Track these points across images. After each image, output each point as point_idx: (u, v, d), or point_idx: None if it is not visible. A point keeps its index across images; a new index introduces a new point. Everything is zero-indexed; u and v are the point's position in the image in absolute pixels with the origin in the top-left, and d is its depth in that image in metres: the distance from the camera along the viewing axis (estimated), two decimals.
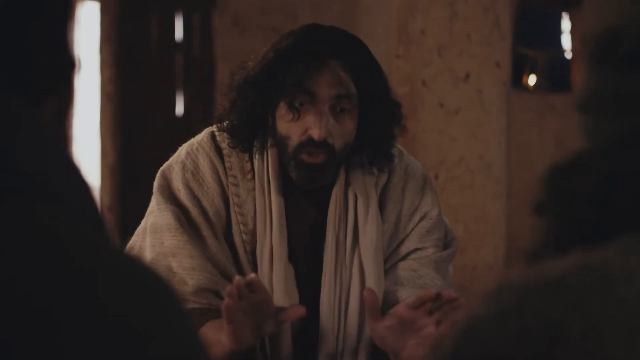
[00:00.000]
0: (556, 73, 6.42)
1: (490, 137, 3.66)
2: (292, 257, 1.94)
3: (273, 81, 1.86)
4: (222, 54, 6.07)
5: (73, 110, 0.78)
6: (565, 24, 6.63)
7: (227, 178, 1.94)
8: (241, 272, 1.92)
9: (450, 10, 3.58)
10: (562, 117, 6.03)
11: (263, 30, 6.00)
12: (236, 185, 1.94)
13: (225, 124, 1.95)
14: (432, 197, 2.02)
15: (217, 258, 1.91)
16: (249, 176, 1.95)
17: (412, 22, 3.59)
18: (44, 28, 0.72)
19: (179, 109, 6.29)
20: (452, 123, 3.56)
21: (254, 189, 1.94)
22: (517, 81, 6.02)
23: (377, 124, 1.91)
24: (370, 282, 1.93)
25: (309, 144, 1.85)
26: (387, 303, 1.94)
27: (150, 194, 1.99)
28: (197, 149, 1.97)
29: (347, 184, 1.95)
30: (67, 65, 0.74)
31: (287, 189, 1.93)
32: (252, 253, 1.93)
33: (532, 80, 6.41)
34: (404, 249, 1.98)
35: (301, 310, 1.78)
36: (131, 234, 2.07)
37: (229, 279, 1.89)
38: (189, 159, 1.96)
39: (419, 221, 1.99)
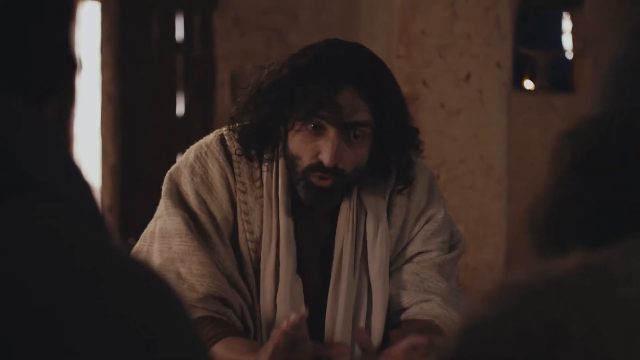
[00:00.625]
0: (557, 73, 6.41)
1: (491, 138, 3.66)
2: (302, 271, 1.92)
3: (286, 99, 1.83)
4: (222, 55, 6.07)
5: (75, 111, 0.78)
6: (566, 24, 6.63)
7: (236, 184, 1.92)
8: (245, 280, 1.91)
9: (450, 11, 3.58)
10: (563, 118, 6.02)
11: (264, 30, 6.00)
12: (244, 192, 1.92)
13: (236, 126, 1.93)
14: (438, 199, 2.00)
15: (225, 265, 1.89)
16: (258, 184, 1.92)
17: (413, 22, 3.59)
18: (46, 28, 0.72)
19: (180, 109, 6.29)
20: (453, 123, 3.56)
21: (262, 196, 1.91)
22: (518, 82, 6.01)
23: (392, 150, 1.88)
24: (377, 301, 1.92)
25: (318, 167, 1.82)
26: (389, 307, 1.94)
27: (151, 194, 1.98)
28: (206, 153, 1.94)
29: (358, 200, 1.93)
30: (68, 66, 0.74)
31: (296, 201, 1.91)
32: (258, 262, 1.91)
33: (529, 84, 6.40)
34: (408, 252, 1.97)
35: (346, 350, 1.75)
36: (132, 234, 2.06)
37: (235, 286, 1.89)
38: (197, 162, 1.93)
39: (425, 224, 1.98)
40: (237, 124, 1.93)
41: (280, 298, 1.88)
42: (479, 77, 3.61)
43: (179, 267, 1.87)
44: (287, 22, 6.01)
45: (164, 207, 1.92)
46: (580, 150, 0.80)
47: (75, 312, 0.61)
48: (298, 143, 1.84)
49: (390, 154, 1.89)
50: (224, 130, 1.96)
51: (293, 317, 1.68)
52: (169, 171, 1.98)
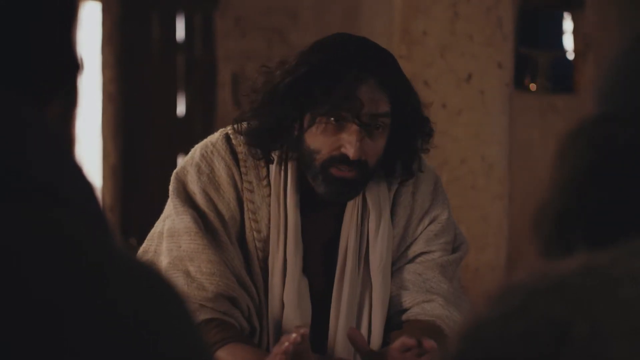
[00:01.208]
0: (558, 74, 6.41)
1: (493, 138, 3.66)
2: (307, 269, 1.92)
3: (306, 95, 1.82)
4: (223, 55, 6.07)
5: (77, 111, 0.78)
6: (567, 24, 6.63)
7: (243, 183, 1.91)
8: (252, 279, 1.91)
9: (452, 11, 3.58)
10: (564, 118, 6.02)
11: (264, 31, 6.00)
12: (251, 191, 1.92)
13: (242, 127, 1.92)
14: (442, 200, 2.01)
15: (234, 264, 1.89)
16: (265, 182, 1.92)
17: (414, 22, 3.59)
18: (49, 29, 0.72)
19: (180, 109, 6.30)
20: (455, 124, 3.55)
21: (269, 195, 1.91)
22: (519, 82, 6.01)
23: (409, 140, 1.90)
24: (376, 299, 1.92)
25: (341, 160, 1.83)
26: (391, 307, 1.94)
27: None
28: (212, 152, 1.93)
29: (363, 198, 1.93)
30: (71, 66, 0.74)
31: (303, 201, 1.91)
32: (265, 260, 1.91)
33: (533, 87, 6.40)
34: (411, 252, 1.97)
35: None
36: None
37: (243, 285, 1.88)
38: (204, 161, 1.92)
39: (428, 224, 1.98)
40: (242, 124, 1.92)
41: (287, 295, 1.89)
42: (480, 77, 3.61)
43: (188, 265, 1.86)
44: (288, 23, 6.01)
45: (172, 207, 1.91)
46: (585, 150, 0.80)
47: (79, 312, 0.62)
48: (318, 137, 1.83)
49: (408, 144, 1.90)
50: (229, 129, 1.96)
51: (294, 335, 1.69)
52: (175, 171, 1.96)
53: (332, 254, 1.94)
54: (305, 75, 1.82)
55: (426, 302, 1.91)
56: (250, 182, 1.92)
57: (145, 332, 0.64)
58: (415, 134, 1.90)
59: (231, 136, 1.94)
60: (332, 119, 1.82)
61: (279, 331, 1.90)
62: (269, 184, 1.92)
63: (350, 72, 1.80)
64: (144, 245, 1.97)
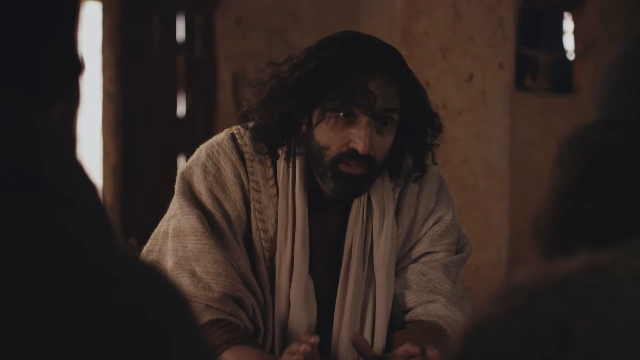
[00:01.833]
0: (559, 74, 6.41)
1: (494, 138, 3.65)
2: (312, 268, 1.92)
3: (316, 90, 1.83)
4: (224, 55, 6.08)
5: (79, 112, 0.79)
6: (568, 24, 6.63)
7: (249, 183, 1.91)
8: (258, 279, 1.90)
9: (453, 12, 3.58)
10: (565, 118, 6.02)
11: (265, 31, 6.00)
12: (258, 191, 1.91)
13: (249, 123, 1.92)
14: (447, 200, 2.01)
15: (239, 264, 1.88)
16: (271, 182, 1.91)
17: (415, 23, 3.59)
18: (53, 31, 0.72)
19: (181, 109, 6.29)
20: (456, 124, 3.55)
21: (275, 195, 1.91)
22: (520, 82, 6.01)
23: (419, 135, 1.90)
24: (379, 297, 1.92)
25: (350, 155, 1.83)
26: (395, 307, 1.94)
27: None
28: (217, 152, 1.92)
29: (368, 197, 1.93)
30: (74, 67, 0.75)
31: (310, 200, 1.91)
32: (271, 260, 1.91)
33: (533, 86, 6.40)
34: (415, 252, 1.98)
35: None
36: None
37: (248, 286, 1.88)
38: (209, 161, 1.92)
39: (433, 225, 1.98)
40: (249, 123, 1.92)
41: (294, 295, 1.88)
42: (481, 77, 3.61)
43: (194, 265, 1.86)
44: (288, 23, 6.01)
45: (177, 207, 1.91)
46: (583, 155, 0.81)
47: (85, 311, 0.62)
48: (327, 132, 1.84)
49: (416, 139, 1.91)
50: (234, 129, 1.95)
51: (304, 346, 1.70)
52: (180, 170, 1.96)
53: (337, 253, 1.94)
54: (314, 70, 1.82)
55: (429, 303, 1.92)
56: (256, 182, 1.91)
57: (149, 332, 0.64)
58: (425, 129, 1.91)
59: (237, 136, 1.93)
60: (341, 114, 1.82)
61: (285, 331, 1.90)
62: (275, 184, 1.91)
63: (359, 67, 1.81)
64: (147, 244, 1.96)
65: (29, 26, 0.70)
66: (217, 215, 1.89)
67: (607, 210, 0.77)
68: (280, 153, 1.91)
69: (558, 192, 0.81)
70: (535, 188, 5.50)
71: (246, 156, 1.92)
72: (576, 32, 6.40)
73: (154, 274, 0.68)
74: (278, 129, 1.87)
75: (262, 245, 1.91)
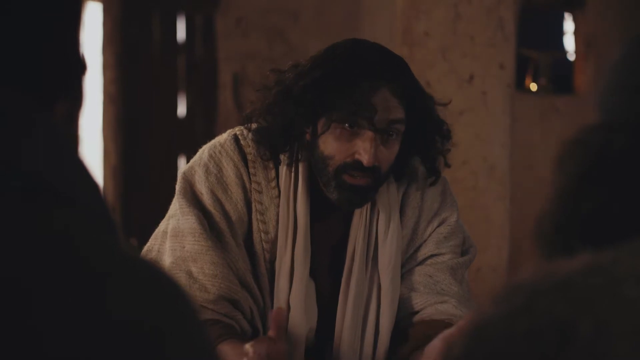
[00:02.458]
0: (559, 75, 6.42)
1: (494, 139, 3.65)
2: (314, 271, 1.92)
3: (322, 100, 1.81)
4: (224, 56, 6.07)
5: (81, 112, 0.79)
6: (568, 25, 6.63)
7: (251, 184, 1.91)
8: (258, 280, 1.90)
9: (454, 12, 3.58)
10: (565, 119, 6.02)
11: (265, 31, 6.00)
12: (260, 192, 1.91)
13: (253, 126, 1.91)
14: (451, 201, 2.00)
15: (237, 265, 1.88)
16: (273, 184, 1.91)
17: (416, 23, 3.59)
18: (56, 32, 0.72)
19: (181, 110, 6.29)
20: (456, 125, 3.55)
21: (277, 197, 1.91)
22: (520, 83, 6.02)
23: (427, 144, 1.89)
24: (384, 300, 1.92)
25: (354, 166, 1.82)
26: (401, 309, 1.93)
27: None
28: (220, 152, 1.92)
29: (372, 200, 1.92)
30: (77, 68, 0.75)
31: (312, 203, 1.90)
32: (271, 262, 1.91)
33: (534, 85, 6.40)
34: (420, 255, 1.97)
35: None
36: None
37: (246, 287, 1.88)
38: (212, 162, 1.91)
39: (437, 226, 1.98)
40: (252, 124, 1.92)
41: (294, 298, 1.88)
42: (482, 78, 3.61)
43: (190, 266, 1.86)
44: (288, 23, 6.01)
45: (177, 206, 1.91)
46: (583, 157, 0.81)
47: (83, 315, 0.62)
48: (332, 143, 1.83)
49: (423, 147, 1.90)
50: (237, 130, 1.95)
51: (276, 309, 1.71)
52: (182, 170, 1.95)
53: (340, 256, 1.94)
54: (320, 79, 1.81)
55: (439, 304, 1.91)
56: (258, 183, 1.91)
57: (152, 333, 0.64)
58: (433, 137, 1.90)
59: (240, 137, 1.93)
60: (346, 125, 1.81)
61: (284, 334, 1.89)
62: (277, 186, 1.91)
63: (366, 78, 1.79)
64: (148, 243, 1.96)
65: (29, 26, 0.70)
66: (217, 216, 1.89)
67: (607, 210, 0.77)
68: (282, 159, 1.90)
69: (559, 194, 0.81)
70: (536, 188, 5.50)
71: (249, 157, 1.91)
72: (577, 33, 6.40)
73: (156, 275, 0.68)
74: (281, 135, 1.87)
75: (262, 246, 1.91)
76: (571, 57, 6.51)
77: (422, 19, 3.58)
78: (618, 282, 0.68)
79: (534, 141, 5.93)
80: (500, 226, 3.68)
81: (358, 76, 1.80)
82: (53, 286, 0.62)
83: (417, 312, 1.93)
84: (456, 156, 3.62)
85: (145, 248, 1.95)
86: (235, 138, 1.93)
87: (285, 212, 1.90)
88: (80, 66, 0.75)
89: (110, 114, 6.12)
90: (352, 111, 1.79)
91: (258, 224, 1.90)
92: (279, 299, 1.89)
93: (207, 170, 1.91)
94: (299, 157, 1.89)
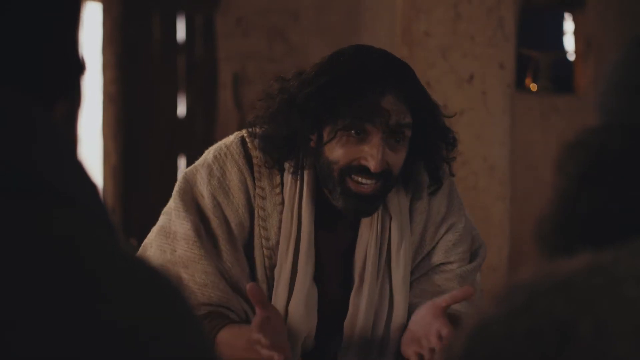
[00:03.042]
0: (559, 74, 6.42)
1: (494, 139, 3.65)
2: (320, 278, 1.90)
3: (327, 108, 1.80)
4: (224, 55, 6.07)
5: (81, 112, 0.79)
6: (568, 25, 6.63)
7: (255, 189, 1.89)
8: None
9: (454, 12, 3.58)
10: (565, 119, 6.02)
11: (265, 31, 6.00)
12: (263, 198, 1.89)
13: (257, 132, 1.89)
14: (458, 205, 1.99)
15: (231, 273, 1.86)
16: (277, 190, 1.89)
17: (416, 23, 3.59)
18: (56, 32, 0.72)
19: (181, 110, 6.29)
20: (456, 124, 3.55)
21: (280, 203, 1.88)
22: (521, 83, 6.01)
23: (432, 151, 1.88)
24: (398, 309, 1.91)
25: (360, 170, 1.80)
26: (409, 317, 1.91)
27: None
28: (225, 155, 1.90)
29: (383, 206, 1.90)
30: (76, 68, 0.75)
31: (318, 211, 1.89)
32: (271, 269, 1.89)
33: (534, 86, 6.40)
34: (429, 264, 1.96)
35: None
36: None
37: (241, 294, 1.86)
38: (216, 164, 1.89)
39: (445, 233, 1.96)
40: (257, 129, 1.89)
41: (294, 306, 1.87)
42: (482, 78, 3.61)
43: (181, 272, 1.85)
44: (289, 23, 6.01)
45: (173, 207, 1.89)
46: (583, 158, 0.81)
47: (81, 314, 0.62)
48: (338, 150, 1.81)
49: (428, 154, 1.89)
50: (244, 132, 1.92)
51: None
52: (184, 171, 1.93)
53: (348, 262, 1.92)
54: (325, 87, 1.79)
55: None
56: (263, 189, 1.89)
57: (148, 331, 0.64)
58: (438, 144, 1.88)
59: (247, 140, 1.91)
60: (353, 132, 1.79)
61: None
62: (281, 192, 1.89)
63: (371, 86, 1.78)
64: (145, 239, 1.95)
65: (29, 26, 0.70)
66: (215, 221, 1.87)
67: (607, 211, 0.77)
68: (287, 167, 1.88)
69: (559, 195, 0.82)
70: (536, 188, 5.50)
71: (255, 161, 1.89)
72: (577, 32, 6.40)
73: (154, 275, 0.68)
74: (285, 143, 1.85)
75: (263, 252, 1.89)
76: (571, 57, 6.51)
77: (422, 19, 3.58)
78: (618, 282, 0.68)
79: (534, 141, 5.93)
80: (501, 226, 3.68)
81: (363, 83, 1.78)
82: (52, 286, 0.62)
83: None
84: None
85: (143, 243, 1.94)
86: (243, 141, 1.91)
87: (288, 219, 1.88)
88: (80, 66, 0.75)
89: (110, 113, 6.12)
90: (358, 117, 1.77)
91: (260, 230, 1.88)
92: (277, 306, 1.87)
93: (210, 173, 1.89)
94: (304, 164, 1.87)
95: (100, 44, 6.08)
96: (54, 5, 0.72)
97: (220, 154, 1.90)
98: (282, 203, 1.89)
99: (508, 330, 0.68)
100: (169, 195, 1.95)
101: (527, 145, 5.79)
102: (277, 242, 1.88)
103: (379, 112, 1.78)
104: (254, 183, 1.89)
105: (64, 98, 0.74)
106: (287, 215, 1.88)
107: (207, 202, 1.88)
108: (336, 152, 1.81)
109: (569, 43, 6.60)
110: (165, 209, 1.92)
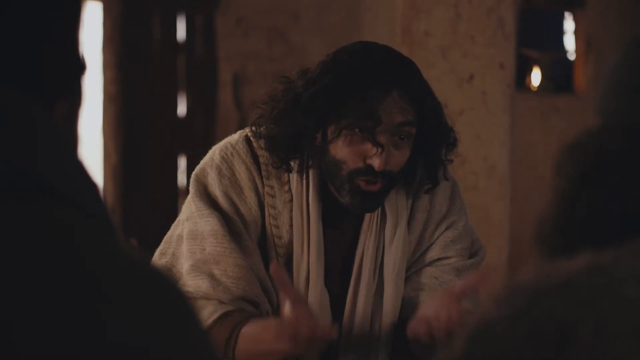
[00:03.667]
0: (559, 74, 6.42)
1: (494, 139, 3.65)
2: (326, 276, 1.90)
3: (332, 107, 1.79)
4: (224, 55, 6.07)
5: (81, 112, 0.79)
6: (569, 24, 6.63)
7: (264, 187, 1.88)
8: (272, 284, 1.87)
9: (454, 12, 3.58)
10: (566, 118, 6.02)
11: (265, 31, 6.00)
12: (273, 196, 1.88)
13: (261, 132, 1.87)
14: (460, 205, 1.99)
15: (258, 268, 1.86)
16: (286, 187, 1.88)
17: (416, 23, 3.59)
18: (56, 32, 0.72)
19: (181, 109, 6.29)
20: (456, 125, 3.55)
21: (290, 201, 1.88)
22: (521, 82, 6.02)
23: (433, 149, 1.88)
24: (386, 306, 1.91)
25: (367, 171, 1.80)
26: (407, 309, 1.92)
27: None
28: (232, 154, 1.88)
29: (382, 206, 1.90)
30: (77, 67, 0.75)
31: (324, 210, 1.88)
32: (285, 266, 1.87)
33: (535, 79, 6.40)
34: (427, 258, 1.96)
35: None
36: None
37: (265, 290, 1.86)
38: (224, 164, 1.88)
39: (445, 230, 1.96)
40: (261, 128, 1.88)
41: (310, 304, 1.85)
42: (482, 78, 3.61)
43: (213, 268, 1.83)
44: (289, 23, 6.01)
45: (194, 208, 1.87)
46: (583, 158, 0.81)
47: (80, 314, 0.62)
48: (343, 148, 1.80)
49: (430, 153, 1.88)
50: (248, 130, 1.91)
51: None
52: (194, 172, 1.91)
53: (348, 261, 1.92)
54: (329, 86, 1.79)
55: None
56: (272, 187, 1.88)
57: (150, 333, 0.64)
58: (439, 143, 1.88)
59: (252, 139, 1.90)
60: (357, 130, 1.79)
61: None
62: (290, 189, 1.88)
63: (376, 83, 1.77)
64: (160, 247, 1.92)
65: (29, 26, 0.70)
66: (235, 218, 1.86)
67: (607, 211, 0.78)
68: (292, 165, 1.87)
69: (559, 196, 0.82)
70: (536, 188, 5.50)
71: (261, 159, 1.88)
72: (577, 32, 6.40)
73: (155, 275, 0.68)
74: (291, 142, 1.84)
75: (276, 250, 1.88)
76: (571, 57, 6.51)
77: (422, 18, 3.58)
78: (618, 282, 0.68)
79: (534, 141, 5.93)
80: (501, 226, 3.68)
81: (367, 81, 1.78)
82: (52, 286, 0.62)
83: None
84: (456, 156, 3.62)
85: (158, 252, 1.92)
86: (247, 139, 1.90)
87: (298, 217, 1.87)
88: (80, 66, 0.75)
89: (110, 113, 6.12)
90: (362, 117, 1.77)
91: (271, 228, 1.88)
92: None
93: (220, 173, 1.87)
94: (310, 163, 1.87)
95: (100, 44, 6.08)
96: (54, 5, 0.72)
97: (227, 154, 1.89)
98: (291, 200, 1.88)
99: (508, 331, 0.68)
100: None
101: (527, 145, 5.79)
102: (289, 240, 1.88)
103: (383, 110, 1.78)
104: (262, 182, 1.88)
105: (64, 98, 0.74)
106: (297, 213, 1.87)
107: (222, 202, 1.86)
108: (342, 151, 1.81)
109: (569, 43, 6.60)
110: (186, 215, 1.89)
